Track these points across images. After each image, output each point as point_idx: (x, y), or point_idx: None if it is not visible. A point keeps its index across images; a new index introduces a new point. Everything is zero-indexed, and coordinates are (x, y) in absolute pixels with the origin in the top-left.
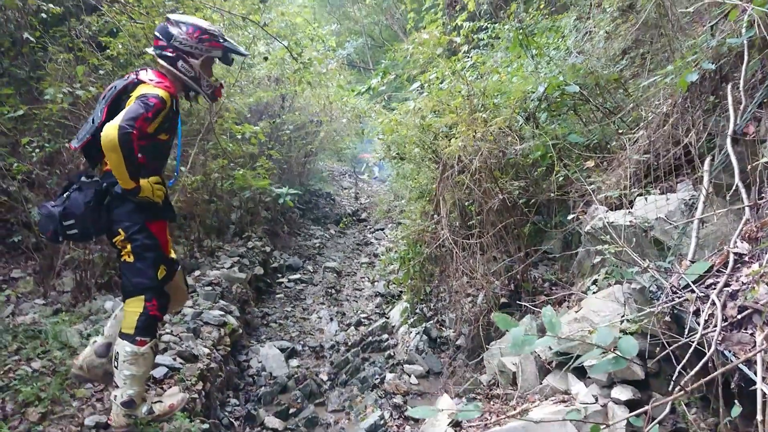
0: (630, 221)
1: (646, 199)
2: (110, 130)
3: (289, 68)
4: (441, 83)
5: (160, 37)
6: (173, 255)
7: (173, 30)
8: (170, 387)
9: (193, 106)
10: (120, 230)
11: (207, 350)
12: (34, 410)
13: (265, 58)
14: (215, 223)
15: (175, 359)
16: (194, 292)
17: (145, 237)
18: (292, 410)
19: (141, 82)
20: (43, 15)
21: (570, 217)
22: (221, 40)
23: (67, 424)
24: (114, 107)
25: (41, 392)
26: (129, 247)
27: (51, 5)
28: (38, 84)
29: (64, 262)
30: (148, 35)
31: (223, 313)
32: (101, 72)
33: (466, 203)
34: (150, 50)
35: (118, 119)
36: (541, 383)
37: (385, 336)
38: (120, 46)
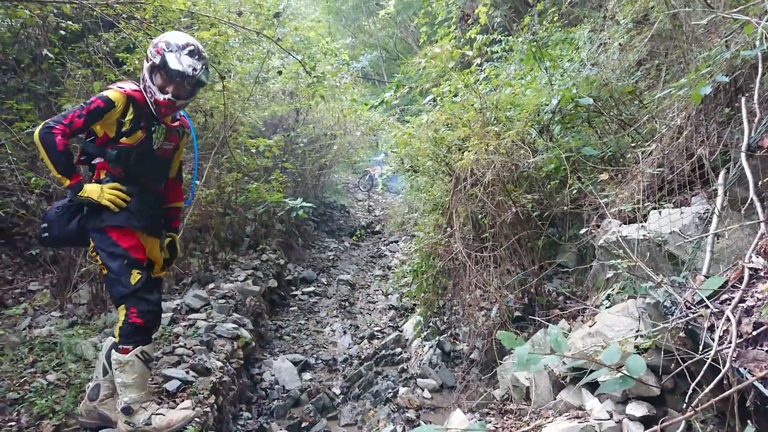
0: (643, 235)
1: (659, 212)
2: (38, 127)
3: (303, 82)
4: (454, 96)
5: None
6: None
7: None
8: (183, 400)
9: (208, 120)
10: (91, 240)
11: (220, 363)
12: (49, 423)
13: (279, 72)
14: (230, 236)
15: (188, 372)
16: (208, 305)
17: (109, 245)
18: (304, 424)
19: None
20: (62, 32)
21: (584, 230)
22: (165, 49)
23: None
24: None
25: (56, 405)
26: (99, 258)
27: (70, 22)
28: (57, 99)
29: (80, 275)
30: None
31: (236, 326)
32: None
33: (480, 216)
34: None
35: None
36: (554, 399)
37: (399, 349)
38: (137, 62)
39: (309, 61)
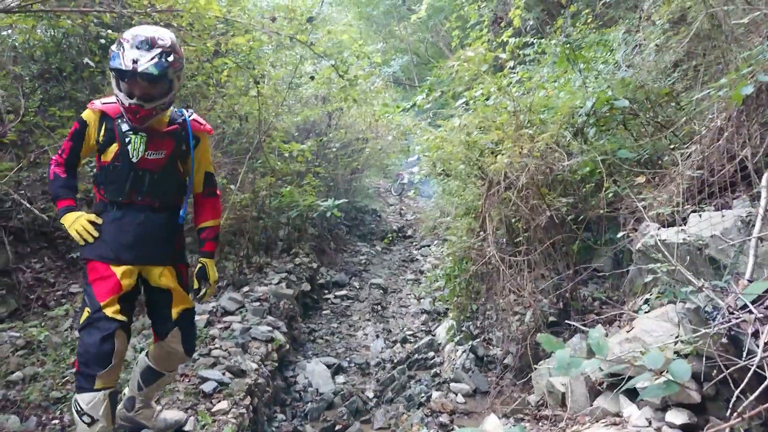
0: (683, 239)
1: (700, 215)
2: None
3: (335, 87)
4: (486, 100)
5: None
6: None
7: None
8: (219, 401)
9: (243, 125)
10: None
11: (255, 365)
12: None
13: (312, 78)
14: (263, 240)
15: (224, 374)
16: (243, 307)
17: (84, 274)
18: (338, 427)
19: None
20: (102, 41)
21: (620, 234)
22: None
23: None
24: None
25: None
26: None
27: (110, 31)
28: None
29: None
30: (200, 58)
31: (270, 328)
32: None
33: (513, 220)
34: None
35: None
36: (591, 405)
37: (431, 354)
38: None
39: (341, 65)
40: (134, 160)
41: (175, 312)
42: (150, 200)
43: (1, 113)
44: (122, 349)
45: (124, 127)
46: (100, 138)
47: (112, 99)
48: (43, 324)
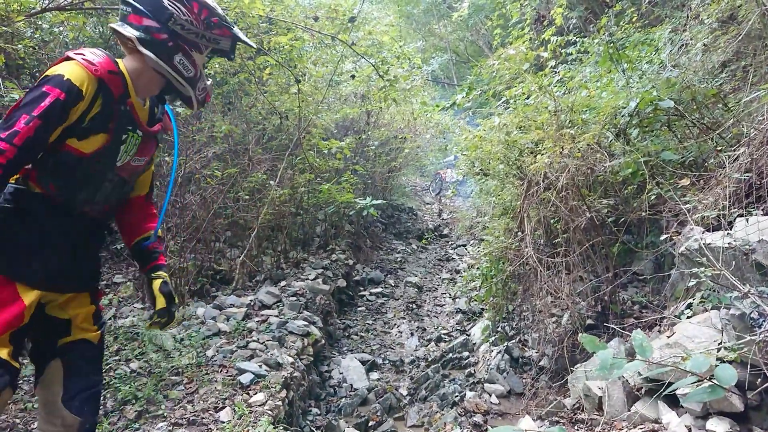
0: (729, 243)
1: (747, 220)
2: None
3: (374, 85)
4: (527, 99)
5: (145, 10)
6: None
7: (169, 3)
8: (256, 393)
9: (283, 122)
10: None
11: (291, 359)
12: (132, 408)
13: (353, 77)
14: (301, 236)
15: (260, 366)
16: (280, 302)
17: None
18: (371, 423)
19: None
20: None
21: (663, 237)
22: (231, 27)
23: (160, 422)
24: None
25: (138, 392)
26: None
27: None
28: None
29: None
30: (243, 56)
31: (306, 323)
32: None
33: (552, 221)
34: (118, 27)
35: None
36: (629, 410)
37: (466, 353)
38: (217, 66)
39: (382, 65)
40: (119, 163)
41: (63, 342)
42: (99, 212)
43: None
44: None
45: (125, 118)
46: (87, 118)
47: (102, 58)
48: None
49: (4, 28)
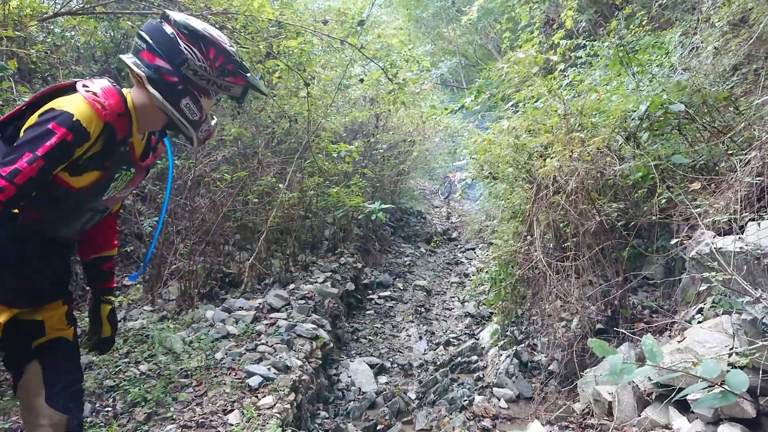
0: (740, 247)
1: (759, 224)
2: None
3: (383, 89)
4: (536, 102)
5: (159, 50)
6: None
7: (185, 47)
8: (265, 396)
9: (292, 125)
10: None
11: (299, 362)
12: (141, 410)
13: (361, 80)
14: (310, 239)
15: (269, 369)
16: (288, 305)
17: None
18: (380, 427)
19: (72, 88)
20: None
21: (673, 241)
22: (245, 73)
23: (169, 425)
24: (17, 126)
25: (147, 394)
26: None
27: None
28: None
29: (170, 272)
30: (253, 59)
31: (315, 326)
32: None
33: (561, 224)
34: (129, 61)
35: None
36: (639, 415)
37: (475, 357)
38: None
39: (390, 68)
40: (105, 197)
41: (37, 342)
42: (74, 235)
43: None
44: None
45: (123, 158)
46: (85, 156)
47: (108, 96)
48: None
49: (17, 33)
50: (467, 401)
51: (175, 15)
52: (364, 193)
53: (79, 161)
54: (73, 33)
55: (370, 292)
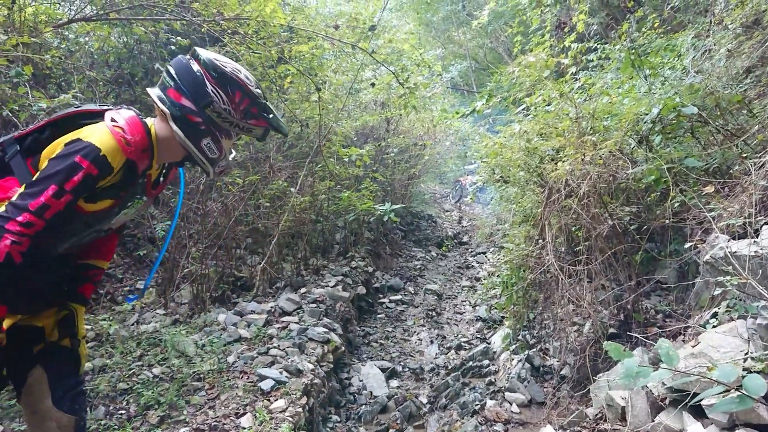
0: (755, 251)
1: None
2: None
3: (394, 93)
4: (547, 106)
5: (186, 90)
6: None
7: (212, 89)
8: (277, 399)
9: (303, 130)
10: None
11: (311, 366)
12: (154, 413)
13: (373, 84)
14: (321, 243)
15: (281, 372)
16: (300, 308)
17: None
18: (391, 431)
19: (98, 115)
20: (172, 47)
21: (687, 245)
22: (268, 115)
23: (182, 428)
24: (36, 139)
25: (160, 397)
26: None
27: (179, 38)
28: None
29: (182, 276)
30: (264, 64)
31: (327, 330)
32: None
33: (573, 228)
34: (156, 97)
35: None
36: (653, 421)
37: (486, 362)
38: None
39: (401, 72)
40: (113, 221)
41: (38, 347)
42: (77, 250)
43: None
44: None
45: (139, 188)
46: (103, 187)
47: (130, 131)
48: (111, 318)
49: (32, 39)
50: (479, 406)
51: (204, 54)
52: (374, 197)
53: (96, 190)
54: (87, 39)
55: (381, 295)
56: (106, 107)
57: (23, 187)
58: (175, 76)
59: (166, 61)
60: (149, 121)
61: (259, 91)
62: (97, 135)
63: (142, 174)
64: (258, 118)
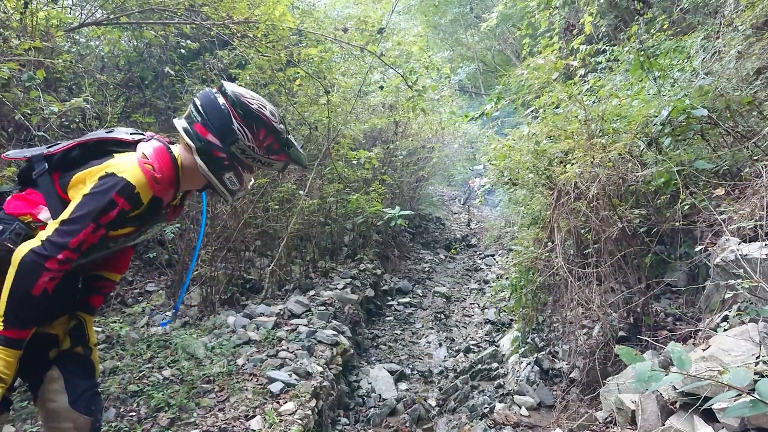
0: (766, 254)
1: None
2: (23, 245)
3: (403, 95)
4: (556, 108)
5: (212, 126)
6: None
7: (238, 127)
8: (286, 402)
9: (312, 132)
10: None
11: (320, 368)
12: (164, 415)
13: (381, 87)
14: (329, 245)
15: (290, 375)
16: (309, 311)
17: None
18: None
19: (132, 145)
20: (182, 50)
21: (697, 248)
22: (288, 149)
23: (192, 430)
24: (65, 157)
25: (170, 399)
26: None
27: (188, 41)
28: (176, 113)
29: (192, 278)
30: (273, 67)
31: (335, 332)
32: None
33: (582, 231)
34: (182, 129)
35: (45, 232)
36: (663, 425)
37: (495, 364)
38: (248, 77)
39: (410, 75)
40: (131, 242)
41: (55, 351)
42: (89, 264)
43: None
44: None
45: (161, 218)
46: (127, 218)
47: (161, 166)
48: (121, 320)
49: (44, 43)
50: (488, 408)
51: (231, 89)
52: (383, 200)
53: (123, 222)
54: (97, 43)
55: (390, 298)
56: (137, 136)
57: (59, 221)
58: (202, 111)
59: (176, 64)
60: (175, 150)
61: (282, 126)
62: (130, 171)
63: (166, 206)
64: (279, 154)
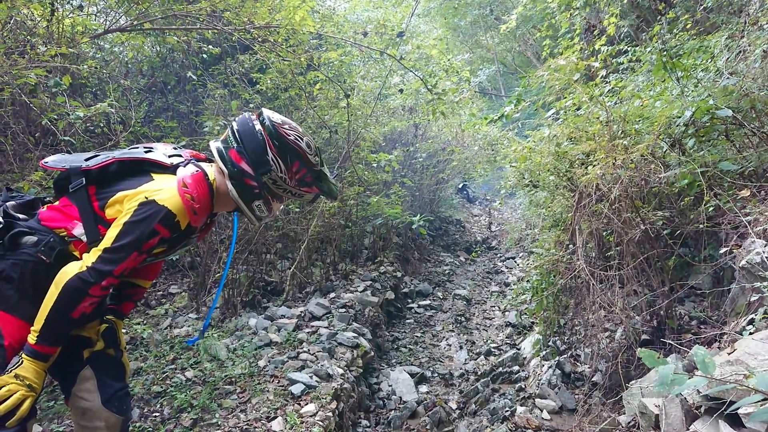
0: None
1: None
2: (68, 268)
3: (422, 98)
4: (577, 110)
5: (247, 154)
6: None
7: (272, 158)
8: (307, 404)
9: (332, 136)
10: None
11: (341, 370)
12: (187, 416)
13: (401, 91)
14: (350, 248)
15: (311, 377)
16: (329, 313)
17: None
18: None
19: (172, 169)
20: (204, 55)
21: (722, 250)
22: (320, 182)
23: (214, 431)
24: (102, 172)
25: (193, 400)
26: None
27: (210, 46)
28: (198, 117)
29: (214, 280)
30: (294, 71)
31: (356, 335)
32: (251, 105)
33: (604, 233)
34: (217, 154)
35: (89, 257)
36: (687, 429)
37: (516, 368)
38: (269, 81)
39: (430, 78)
40: (158, 259)
41: (88, 352)
42: None
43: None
44: None
45: (190, 241)
46: (169, 239)
47: (204, 199)
48: (145, 322)
49: (70, 50)
50: (509, 412)
51: (269, 118)
52: (403, 203)
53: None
54: (121, 49)
55: (410, 301)
56: (175, 159)
57: (102, 249)
58: (239, 137)
59: (198, 69)
60: (210, 172)
61: (317, 159)
62: (171, 200)
63: (198, 231)
64: (311, 186)
